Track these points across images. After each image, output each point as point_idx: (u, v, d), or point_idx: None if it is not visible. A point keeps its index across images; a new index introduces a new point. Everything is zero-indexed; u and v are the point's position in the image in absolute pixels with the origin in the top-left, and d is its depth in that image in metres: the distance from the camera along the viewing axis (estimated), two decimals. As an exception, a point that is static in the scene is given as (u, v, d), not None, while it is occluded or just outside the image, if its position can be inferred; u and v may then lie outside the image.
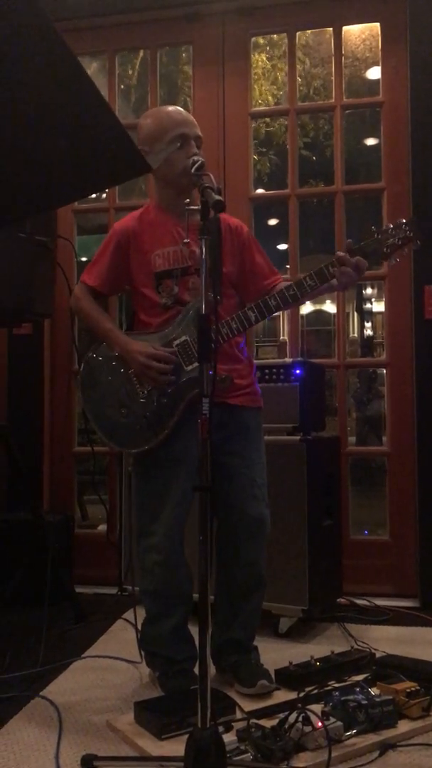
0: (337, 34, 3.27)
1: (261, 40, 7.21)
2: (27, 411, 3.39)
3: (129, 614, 2.70)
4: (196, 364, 1.98)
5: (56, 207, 2.64)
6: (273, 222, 8.85)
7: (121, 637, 2.58)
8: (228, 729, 1.66)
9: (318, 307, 16.13)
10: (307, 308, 15.15)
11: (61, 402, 3.46)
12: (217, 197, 1.45)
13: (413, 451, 3.05)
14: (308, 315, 15.07)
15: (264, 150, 8.46)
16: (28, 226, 2.43)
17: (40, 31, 0.74)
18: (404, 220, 1.91)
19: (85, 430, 3.34)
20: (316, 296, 2.06)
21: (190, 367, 2.00)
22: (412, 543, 3.06)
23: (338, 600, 2.88)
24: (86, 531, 3.74)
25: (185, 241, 1.85)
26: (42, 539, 2.79)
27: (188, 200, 1.69)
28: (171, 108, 2.12)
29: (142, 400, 2.03)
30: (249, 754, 1.60)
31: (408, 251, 1.92)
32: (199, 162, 1.77)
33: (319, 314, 15.99)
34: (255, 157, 9.14)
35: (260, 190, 7.23)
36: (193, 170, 1.73)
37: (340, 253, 1.92)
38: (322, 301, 16.07)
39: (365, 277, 3.54)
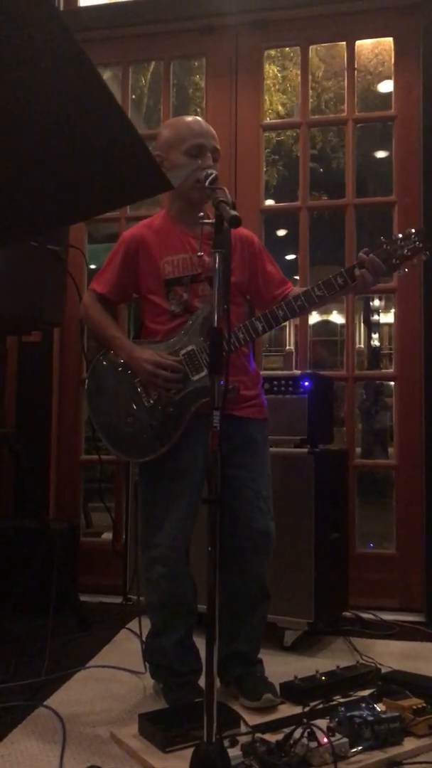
0: (350, 48, 3.29)
1: (272, 51, 7.28)
2: (35, 418, 3.40)
3: (133, 624, 2.70)
4: (203, 374, 1.98)
5: (75, 222, 2.66)
6: (282, 233, 8.87)
7: (125, 648, 2.57)
8: (233, 743, 1.65)
9: (325, 317, 16.14)
10: (314, 318, 15.18)
11: (69, 410, 3.47)
12: (233, 212, 1.45)
13: (421, 465, 3.04)
14: (315, 325, 15.09)
15: (276, 158, 8.47)
16: (40, 236, 2.45)
17: (62, 48, 0.75)
18: (413, 230, 1.90)
19: (93, 438, 3.34)
20: (327, 303, 2.06)
21: (196, 377, 1.99)
22: (419, 557, 3.04)
23: (344, 613, 2.86)
24: (91, 539, 3.73)
25: (199, 254, 1.85)
26: (48, 547, 2.79)
27: (202, 214, 1.69)
28: (191, 118, 2.13)
29: (147, 409, 2.03)
30: (251, 763, 1.59)
31: (417, 262, 1.92)
32: (213, 175, 1.78)
33: (326, 324, 15.99)
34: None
35: (269, 201, 7.27)
36: (207, 183, 1.73)
37: (362, 255, 1.93)
38: (329, 312, 16.11)
39: (376, 290, 3.55)
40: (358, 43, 3.36)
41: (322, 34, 3.37)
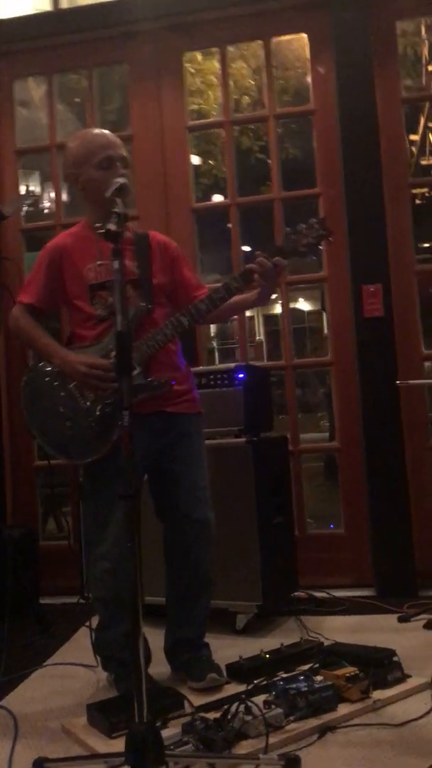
0: (266, 46, 3.38)
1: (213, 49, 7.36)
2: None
3: (93, 621, 2.77)
4: (135, 373, 2.06)
5: None
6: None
7: (83, 644, 2.62)
8: (165, 724, 1.74)
9: (292, 305, 16.27)
10: (279, 308, 15.28)
11: (20, 418, 3.50)
12: (109, 226, 1.54)
13: (361, 446, 3.15)
14: (282, 314, 15.18)
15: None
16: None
17: None
18: (315, 220, 2.02)
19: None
20: (245, 308, 2.16)
21: None
22: (366, 534, 3.15)
23: (296, 594, 2.96)
24: (54, 543, 3.79)
25: (99, 263, 1.94)
26: (2, 554, 2.86)
27: (99, 224, 1.76)
28: (96, 131, 2.22)
29: (84, 411, 2.10)
30: (190, 744, 1.68)
31: (324, 248, 2.04)
32: (118, 185, 1.84)
33: (291, 312, 16.11)
34: (211, 162, 9.27)
35: (218, 197, 7.34)
36: (108, 194, 1.80)
37: (259, 258, 2.01)
38: (296, 300, 16.23)
39: (307, 280, 3.66)
40: (281, 39, 3.43)
41: (238, 34, 3.46)
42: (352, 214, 3.12)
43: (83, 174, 2.14)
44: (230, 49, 4.98)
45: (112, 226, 1.49)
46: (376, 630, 2.59)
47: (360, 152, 3.13)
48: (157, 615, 2.34)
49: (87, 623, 2.81)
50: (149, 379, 2.09)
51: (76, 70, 3.76)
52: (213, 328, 13.23)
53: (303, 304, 16.43)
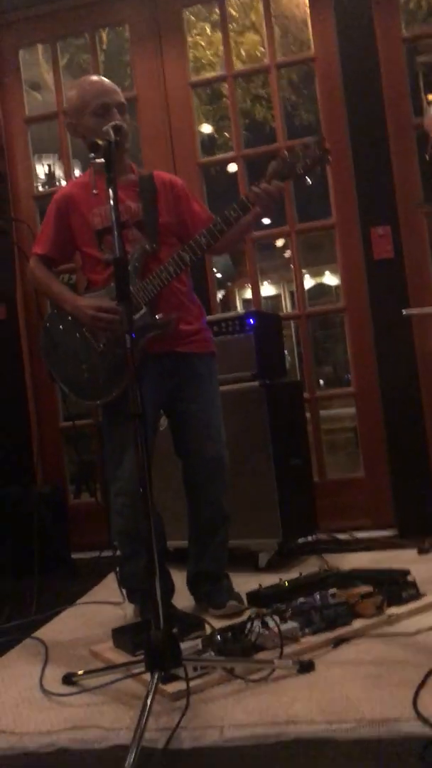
0: (265, -4, 3.37)
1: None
2: (10, 393, 3.54)
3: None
4: (142, 312, 2.11)
5: None
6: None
7: (112, 586, 2.73)
8: (182, 636, 1.81)
9: (318, 280, 16.06)
10: (308, 283, 15.15)
11: (44, 381, 3.60)
12: (95, 139, 1.61)
13: (377, 390, 3.17)
14: (310, 290, 15.06)
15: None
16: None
17: None
18: (312, 138, 2.01)
19: (64, 400, 3.49)
20: (245, 233, 2.18)
21: (136, 316, 2.11)
22: (385, 476, 3.18)
23: (318, 535, 3.02)
24: (83, 501, 3.89)
25: (94, 191, 2.00)
26: (30, 511, 2.97)
27: (92, 155, 1.81)
28: (94, 78, 2.26)
29: (99, 354, 2.17)
30: (210, 652, 1.75)
31: (322, 170, 2.04)
32: (112, 124, 1.88)
33: (320, 287, 15.93)
34: (227, 134, 9.25)
35: (233, 166, 7.33)
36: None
37: (254, 187, 2.05)
38: (322, 274, 15.99)
39: (317, 227, 3.66)
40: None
41: (236, -14, 3.46)
42: (357, 157, 3.13)
43: (81, 123, 2.19)
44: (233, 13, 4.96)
45: (98, 140, 1.54)
46: (395, 561, 2.61)
47: (362, 95, 3.12)
48: (181, 560, 2.42)
49: (115, 569, 2.94)
50: (156, 317, 2.13)
51: (78, 34, 3.78)
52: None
53: (330, 278, 16.19)
